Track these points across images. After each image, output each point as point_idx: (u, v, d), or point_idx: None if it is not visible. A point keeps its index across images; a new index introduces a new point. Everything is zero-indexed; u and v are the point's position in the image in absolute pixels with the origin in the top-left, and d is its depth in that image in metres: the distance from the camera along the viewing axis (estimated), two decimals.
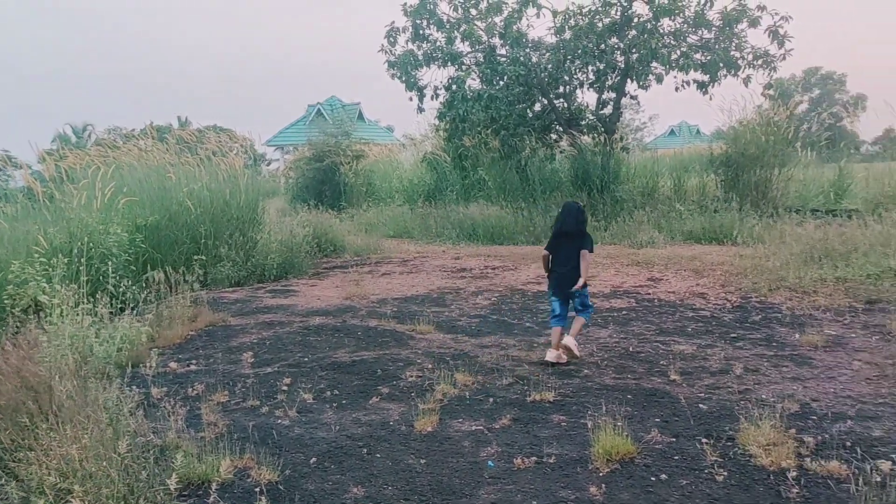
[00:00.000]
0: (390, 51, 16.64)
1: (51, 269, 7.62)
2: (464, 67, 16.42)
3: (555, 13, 15.77)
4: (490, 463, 4.12)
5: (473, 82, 16.53)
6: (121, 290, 7.80)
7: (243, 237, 11.18)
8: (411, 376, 5.77)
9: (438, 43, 16.43)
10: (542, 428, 4.61)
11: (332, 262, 13.13)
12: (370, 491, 3.83)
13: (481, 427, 4.67)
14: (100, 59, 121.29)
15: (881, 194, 14.15)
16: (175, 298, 8.07)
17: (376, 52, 16.73)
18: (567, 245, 6.03)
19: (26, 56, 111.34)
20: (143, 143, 13.84)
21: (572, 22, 15.52)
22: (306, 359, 6.42)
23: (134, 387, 4.95)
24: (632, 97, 17.85)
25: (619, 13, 15.52)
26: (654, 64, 15.21)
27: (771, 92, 15.90)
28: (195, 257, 10.40)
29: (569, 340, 6.02)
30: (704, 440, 4.27)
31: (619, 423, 4.25)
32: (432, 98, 16.92)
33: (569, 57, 15.60)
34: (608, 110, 17.02)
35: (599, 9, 15.42)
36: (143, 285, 8.29)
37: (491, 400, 5.18)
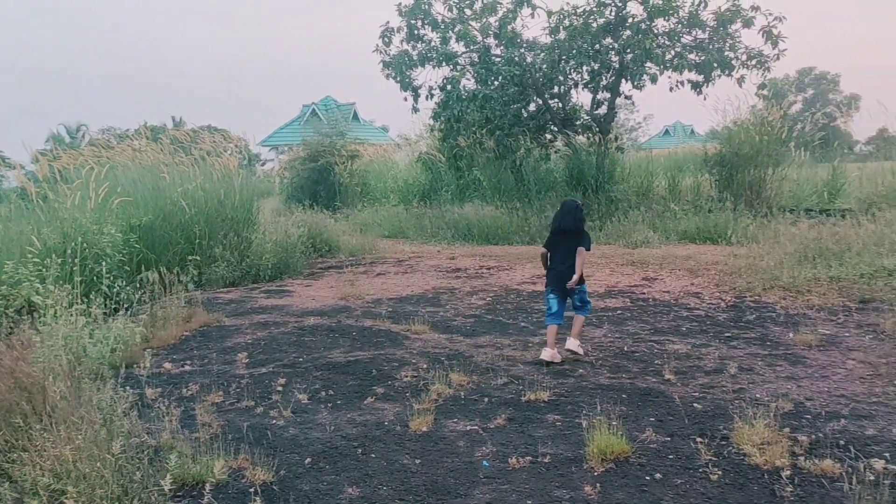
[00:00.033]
0: (385, 51, 16.64)
1: (44, 270, 7.59)
2: (458, 67, 16.41)
3: (549, 13, 15.79)
4: (485, 463, 4.12)
5: (468, 82, 16.55)
6: (115, 290, 7.78)
7: (238, 237, 11.16)
8: (406, 376, 5.77)
9: (433, 43, 16.44)
10: (537, 427, 4.61)
11: (327, 262, 13.12)
12: (365, 491, 3.83)
13: (476, 427, 4.67)
14: (100, 59, 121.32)
15: (875, 194, 14.22)
16: (169, 299, 8.06)
17: (371, 52, 16.74)
18: (565, 243, 6.07)
19: (26, 56, 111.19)
20: (137, 143, 13.78)
21: (567, 22, 15.54)
22: (301, 359, 6.41)
23: (128, 387, 4.93)
24: (626, 97, 17.90)
25: (613, 13, 15.55)
26: (649, 64, 15.22)
27: (765, 92, 15.94)
28: (189, 257, 10.39)
29: (571, 344, 6.10)
30: (699, 439, 4.28)
31: (613, 423, 4.26)
32: (427, 98, 16.91)
33: (563, 57, 15.61)
34: (603, 110, 17.05)
35: (594, 9, 15.45)
36: (138, 286, 8.28)
37: (486, 400, 5.18)
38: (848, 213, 12.39)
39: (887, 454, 3.92)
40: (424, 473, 4.02)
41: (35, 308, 6.94)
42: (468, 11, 16.13)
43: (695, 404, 4.90)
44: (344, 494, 3.79)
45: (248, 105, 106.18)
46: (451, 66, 16.41)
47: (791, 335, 6.58)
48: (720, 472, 3.84)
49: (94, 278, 8.22)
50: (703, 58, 15.05)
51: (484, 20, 15.99)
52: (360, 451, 4.36)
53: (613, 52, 15.71)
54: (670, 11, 15.02)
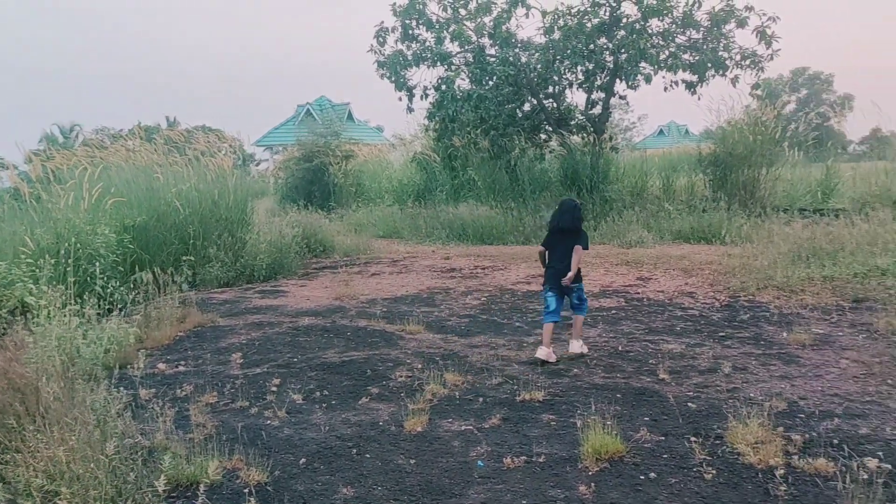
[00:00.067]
0: (380, 51, 16.63)
1: (38, 270, 7.56)
2: (453, 67, 16.42)
3: (544, 13, 15.80)
4: (480, 463, 4.12)
5: (463, 82, 16.54)
6: (108, 291, 7.75)
7: (232, 238, 11.14)
8: (401, 376, 5.77)
9: (428, 43, 16.43)
10: (532, 427, 4.62)
11: (322, 262, 13.10)
12: (360, 491, 3.82)
13: (471, 427, 4.67)
14: (99, 59, 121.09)
15: (868, 193, 14.24)
16: (163, 299, 8.04)
17: (366, 52, 16.74)
18: (563, 241, 6.11)
19: (26, 56, 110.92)
20: (131, 143, 13.75)
21: (561, 22, 15.54)
22: (296, 359, 6.40)
23: (122, 388, 4.91)
24: (621, 97, 17.91)
25: (607, 13, 15.56)
26: (643, 64, 15.25)
27: (759, 92, 16.00)
28: (184, 258, 10.35)
29: (575, 347, 6.19)
30: (693, 439, 4.28)
31: (608, 423, 4.27)
32: (422, 98, 16.93)
33: (558, 57, 15.62)
34: (597, 110, 17.06)
35: (588, 9, 15.45)
36: (131, 286, 8.25)
37: (480, 400, 5.18)
38: (841, 213, 12.42)
39: (880, 453, 3.93)
40: (419, 473, 4.01)
41: (28, 309, 6.91)
42: (463, 11, 16.14)
43: (689, 404, 4.90)
44: (338, 495, 3.79)
45: (248, 105, 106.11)
46: (446, 66, 16.41)
47: (785, 334, 6.60)
48: (714, 472, 3.85)
49: (88, 279, 8.19)
50: (697, 58, 15.09)
51: (478, 20, 16.00)
52: (354, 451, 4.35)
53: (608, 52, 15.73)
54: (664, 11, 15.04)
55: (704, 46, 15.21)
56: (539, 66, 15.86)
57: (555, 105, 17.16)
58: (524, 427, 4.63)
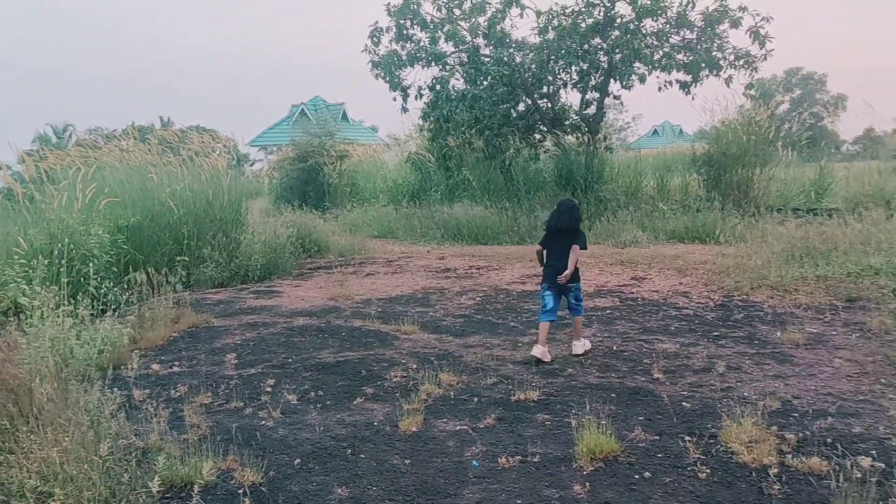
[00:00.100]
0: (374, 51, 16.63)
1: (31, 271, 7.54)
2: (448, 67, 16.42)
3: (538, 13, 15.82)
4: (475, 462, 4.12)
5: (457, 82, 16.56)
6: (102, 291, 7.74)
7: (226, 238, 11.11)
8: (396, 376, 5.77)
9: (422, 43, 16.43)
10: (527, 427, 4.62)
11: (316, 262, 13.09)
12: (354, 492, 3.82)
13: (466, 427, 4.67)
14: (100, 59, 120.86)
15: (861, 193, 14.31)
16: (157, 300, 8.02)
17: (360, 52, 16.73)
18: (561, 241, 6.15)
19: (26, 56, 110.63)
20: (124, 143, 13.70)
21: (556, 22, 15.57)
22: (290, 360, 6.40)
23: (115, 389, 4.91)
24: (615, 97, 17.94)
25: (602, 14, 15.59)
26: (637, 64, 15.27)
27: (752, 92, 16.02)
28: (178, 258, 10.34)
29: (577, 347, 6.25)
30: (687, 438, 4.29)
31: (602, 422, 4.27)
32: (416, 98, 16.91)
33: (552, 57, 15.64)
34: (592, 110, 17.08)
35: (583, 9, 15.48)
36: (125, 287, 8.24)
37: (475, 399, 5.18)
38: (835, 213, 12.47)
39: (874, 452, 3.95)
40: (414, 473, 4.01)
41: (22, 309, 6.90)
42: (457, 11, 16.14)
43: (683, 403, 4.92)
44: (333, 495, 3.79)
45: (248, 105, 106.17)
46: (441, 66, 16.41)
47: (778, 334, 6.61)
48: (708, 471, 3.86)
49: (82, 279, 8.17)
50: (691, 58, 15.11)
51: (473, 20, 16.00)
52: (349, 451, 4.35)
53: (602, 52, 15.75)
54: (658, 12, 15.07)
55: (698, 46, 15.24)
56: (533, 66, 15.88)
57: (549, 105, 17.17)
58: (519, 427, 4.63)
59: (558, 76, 16.53)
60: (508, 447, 4.30)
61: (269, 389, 5.54)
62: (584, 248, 6.17)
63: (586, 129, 16.90)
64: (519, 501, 3.64)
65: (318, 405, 5.20)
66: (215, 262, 10.70)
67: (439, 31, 16.06)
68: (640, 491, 3.69)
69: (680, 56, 15.17)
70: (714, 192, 15.21)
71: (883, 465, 3.75)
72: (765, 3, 15.49)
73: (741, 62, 15.12)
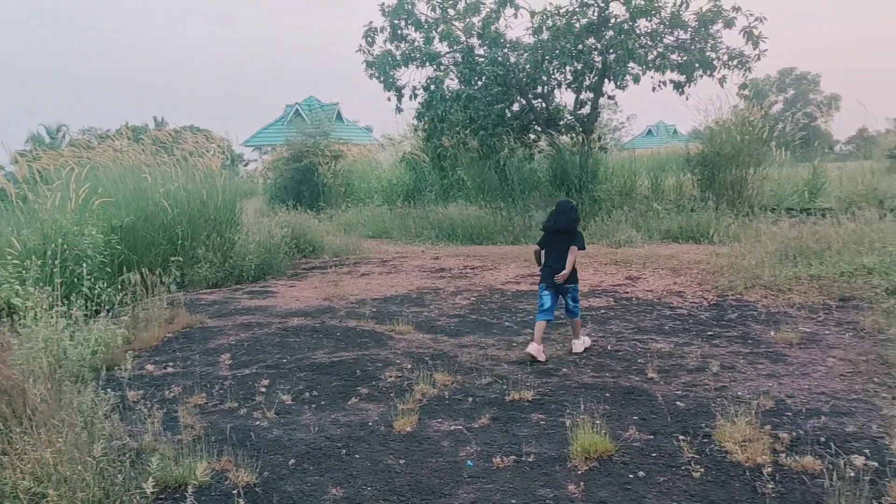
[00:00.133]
0: (368, 51, 16.62)
1: (24, 272, 7.51)
2: (442, 67, 16.41)
3: (532, 13, 15.82)
4: (469, 462, 4.12)
5: (452, 82, 16.54)
6: (96, 292, 7.71)
7: (221, 238, 11.09)
8: (390, 376, 5.76)
9: (416, 43, 16.43)
10: (521, 427, 4.62)
11: (311, 262, 13.08)
12: (349, 492, 3.82)
13: (460, 426, 4.67)
14: (99, 59, 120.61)
15: (854, 193, 14.36)
16: (151, 300, 8.00)
17: (355, 52, 16.72)
18: (560, 242, 6.20)
19: (26, 56, 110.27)
20: (118, 143, 13.67)
21: (550, 22, 15.57)
22: (285, 360, 6.39)
23: (109, 390, 4.89)
24: (609, 97, 17.96)
25: (596, 14, 15.60)
26: (631, 64, 15.30)
27: (746, 92, 16.08)
28: (172, 258, 10.30)
29: (577, 346, 6.29)
30: (681, 437, 4.30)
31: (597, 422, 4.28)
32: (411, 98, 16.92)
33: (546, 57, 15.65)
34: (586, 110, 17.10)
35: (577, 9, 15.49)
36: (119, 287, 8.20)
37: (470, 399, 5.18)
38: (828, 212, 12.50)
39: (867, 450, 3.96)
40: (409, 473, 4.01)
41: (15, 310, 6.87)
42: (451, 11, 16.14)
43: (677, 402, 4.93)
44: (328, 495, 3.78)
45: (248, 105, 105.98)
46: (435, 66, 16.41)
47: (772, 333, 6.64)
48: (702, 470, 3.87)
49: (75, 280, 8.14)
50: (684, 58, 15.15)
51: (467, 20, 16.01)
52: (344, 451, 4.35)
53: (596, 53, 15.77)
54: (652, 12, 15.10)
55: (692, 47, 15.28)
56: (528, 66, 15.89)
57: (544, 105, 17.19)
58: (513, 426, 4.63)
59: (553, 76, 16.54)
60: (503, 447, 4.31)
61: (263, 390, 5.53)
62: (582, 248, 6.21)
63: (581, 129, 16.91)
64: (513, 501, 3.65)
65: (313, 405, 5.19)
66: (209, 262, 10.68)
67: (433, 31, 16.05)
68: (635, 490, 3.70)
69: (674, 56, 15.20)
70: (708, 191, 15.25)
71: (876, 464, 3.77)
72: (758, 4, 15.57)
73: (735, 62, 15.17)
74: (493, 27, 15.84)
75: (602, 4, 15.50)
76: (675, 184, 17.00)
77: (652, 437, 4.36)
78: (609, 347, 6.46)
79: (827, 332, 6.64)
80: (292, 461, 4.22)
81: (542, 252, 6.35)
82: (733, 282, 8.78)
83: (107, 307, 7.64)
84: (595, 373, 5.72)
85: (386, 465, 4.14)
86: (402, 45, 16.48)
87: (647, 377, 5.52)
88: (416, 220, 16.87)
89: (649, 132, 56.74)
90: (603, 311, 7.97)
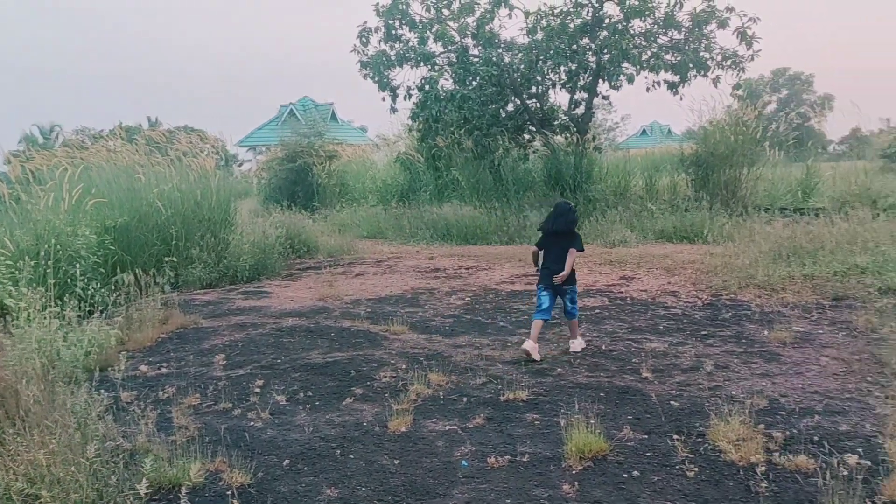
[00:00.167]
0: (363, 51, 16.61)
1: (17, 272, 7.48)
2: (436, 68, 16.41)
3: (527, 14, 15.84)
4: (464, 462, 4.12)
5: (446, 82, 16.55)
6: (89, 292, 7.69)
7: (215, 238, 11.07)
8: (385, 377, 5.76)
9: (411, 43, 16.42)
10: (516, 427, 4.63)
11: (306, 262, 13.06)
12: (344, 492, 3.81)
13: (455, 427, 4.67)
14: (99, 59, 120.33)
15: (847, 193, 14.41)
16: (145, 301, 7.98)
17: (349, 52, 16.70)
18: (558, 244, 6.22)
19: (26, 56, 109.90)
20: (112, 143, 13.63)
21: (544, 23, 15.59)
22: (279, 360, 6.38)
23: (103, 391, 4.87)
24: (604, 97, 18.01)
25: (590, 14, 15.63)
26: (626, 64, 15.33)
27: (740, 92, 16.12)
28: (166, 259, 10.28)
29: (575, 346, 6.34)
30: (676, 436, 4.31)
31: (591, 421, 4.29)
32: (405, 98, 16.89)
33: (541, 57, 15.66)
34: (580, 110, 17.13)
35: (571, 10, 15.52)
36: (113, 288, 8.18)
37: (465, 399, 5.19)
38: (821, 212, 12.56)
39: (860, 449, 3.98)
40: (403, 474, 4.01)
41: (8, 311, 6.84)
42: (446, 12, 16.14)
43: (672, 402, 4.94)
44: (322, 496, 3.78)
45: (248, 105, 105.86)
46: (429, 67, 16.40)
47: (766, 333, 6.65)
48: (696, 469, 3.88)
49: (69, 280, 8.11)
50: (678, 58, 15.18)
51: (461, 20, 16.00)
52: (338, 452, 4.34)
53: (590, 53, 15.80)
54: (646, 12, 15.13)
55: (686, 47, 15.32)
56: (522, 66, 15.90)
57: (538, 105, 17.20)
58: (508, 426, 4.64)
59: (547, 76, 16.56)
60: (497, 447, 4.31)
61: (257, 390, 5.52)
62: (580, 250, 6.24)
63: (575, 129, 16.94)
64: (508, 501, 3.65)
65: (307, 406, 5.19)
66: (204, 262, 10.66)
67: (428, 32, 16.06)
68: (629, 490, 3.71)
69: (668, 56, 15.24)
70: (702, 191, 15.28)
71: (869, 463, 3.78)
72: (752, 4, 15.57)
73: (729, 62, 15.21)
74: (487, 27, 15.85)
75: (596, 5, 15.53)
76: (670, 184, 17.02)
77: (646, 436, 4.37)
78: (604, 347, 6.47)
79: (820, 331, 6.67)
80: (287, 462, 4.22)
81: (541, 253, 6.37)
82: (727, 281, 8.80)
83: (100, 308, 7.60)
84: (589, 372, 5.73)
85: (380, 465, 4.14)
86: (397, 46, 16.48)
87: (642, 377, 5.53)
88: (411, 220, 16.87)
89: (643, 132, 56.84)
90: (598, 310, 7.98)
